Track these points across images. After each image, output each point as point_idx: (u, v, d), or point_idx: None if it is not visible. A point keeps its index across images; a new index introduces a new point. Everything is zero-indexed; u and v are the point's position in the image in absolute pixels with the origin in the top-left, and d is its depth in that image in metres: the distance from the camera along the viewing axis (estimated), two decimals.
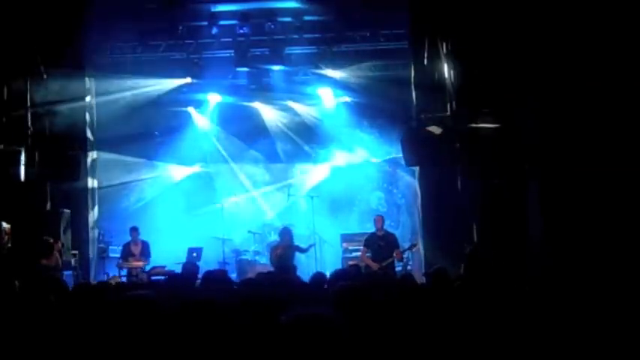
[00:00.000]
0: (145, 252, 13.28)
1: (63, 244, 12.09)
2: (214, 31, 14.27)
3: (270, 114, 16.85)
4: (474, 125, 10.91)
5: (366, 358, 3.21)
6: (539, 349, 3.85)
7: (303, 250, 13.12)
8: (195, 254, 13.74)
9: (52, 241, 11.39)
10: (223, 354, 3.54)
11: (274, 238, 14.99)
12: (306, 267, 13.13)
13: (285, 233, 13.07)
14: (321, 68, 15.03)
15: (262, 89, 15.94)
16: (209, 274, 6.98)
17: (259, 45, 14.73)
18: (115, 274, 13.23)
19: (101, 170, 15.15)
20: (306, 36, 14.54)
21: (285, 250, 12.66)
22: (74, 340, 3.62)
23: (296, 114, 16.71)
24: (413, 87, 13.12)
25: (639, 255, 7.57)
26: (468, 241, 10.63)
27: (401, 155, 12.45)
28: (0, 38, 11.11)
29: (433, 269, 7.01)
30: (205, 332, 3.64)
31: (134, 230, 13.42)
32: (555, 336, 3.94)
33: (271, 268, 12.23)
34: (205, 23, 14.24)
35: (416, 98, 13.04)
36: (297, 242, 15.50)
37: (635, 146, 8.18)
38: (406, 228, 16.03)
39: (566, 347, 3.86)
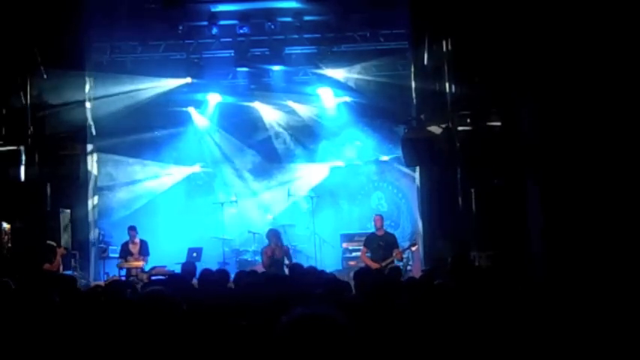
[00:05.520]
0: (144, 251, 13.23)
1: (67, 249, 12.07)
2: (214, 31, 14.28)
3: (270, 114, 16.85)
4: (473, 125, 10.92)
5: (370, 358, 3.21)
6: (539, 349, 3.85)
7: (289, 260, 12.16)
8: (195, 254, 13.74)
9: (55, 245, 11.38)
10: (224, 355, 3.54)
11: None
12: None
13: (272, 234, 12.71)
14: (321, 68, 15.04)
15: (262, 89, 15.97)
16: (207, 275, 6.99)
17: (259, 45, 14.75)
18: (115, 274, 13.22)
19: (101, 170, 15.16)
20: (306, 36, 14.56)
21: (274, 251, 12.30)
22: (79, 339, 3.63)
23: (296, 114, 16.71)
24: (413, 87, 13.12)
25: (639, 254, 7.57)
26: (461, 247, 10.63)
27: (401, 155, 12.46)
28: (0, 38, 11.11)
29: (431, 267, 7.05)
30: (206, 332, 3.64)
31: (132, 229, 13.39)
32: (554, 336, 3.94)
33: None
34: (205, 23, 14.25)
35: (416, 98, 13.05)
36: (296, 242, 15.53)
37: (634, 145, 8.19)
38: (406, 228, 16.04)
39: (566, 347, 3.87)
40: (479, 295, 4.92)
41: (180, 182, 16.98)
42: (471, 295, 4.81)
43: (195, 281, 7.68)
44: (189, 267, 8.54)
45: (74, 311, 4.27)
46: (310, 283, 6.62)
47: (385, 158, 16.24)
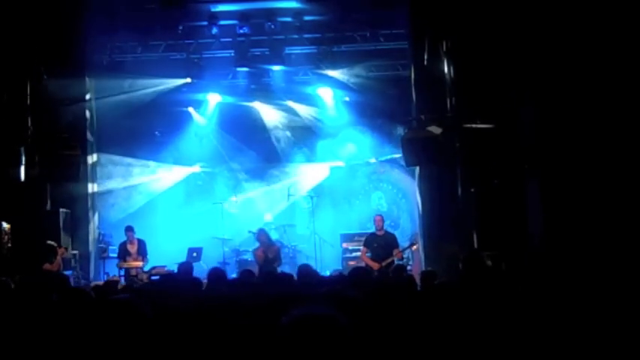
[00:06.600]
0: (142, 251, 13.20)
1: (67, 249, 12.06)
2: (214, 31, 14.27)
3: (269, 114, 16.85)
4: (473, 125, 10.91)
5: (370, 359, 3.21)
6: (538, 349, 3.85)
7: (279, 260, 12.52)
8: (195, 254, 13.75)
9: (56, 245, 11.37)
10: (224, 355, 3.54)
11: (275, 237, 15.00)
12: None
13: (263, 235, 12.76)
14: (321, 68, 15.04)
15: (262, 89, 15.98)
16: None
17: (259, 45, 14.75)
18: (115, 274, 13.22)
19: (101, 170, 15.17)
20: (306, 36, 14.56)
21: (266, 252, 12.39)
22: (74, 340, 3.62)
23: (296, 114, 16.70)
24: (413, 87, 13.13)
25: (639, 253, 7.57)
26: (462, 247, 10.63)
27: (401, 155, 12.46)
28: (0, 39, 11.11)
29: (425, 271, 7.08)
30: (206, 333, 3.64)
31: (129, 230, 13.38)
32: (554, 335, 3.94)
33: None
34: (205, 23, 14.25)
35: (416, 98, 13.05)
36: (296, 242, 15.54)
37: (633, 144, 8.19)
38: (406, 228, 16.04)
39: (566, 347, 3.87)
40: (487, 296, 4.92)
41: (180, 182, 17.00)
42: (479, 296, 4.81)
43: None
44: (186, 267, 8.55)
45: (65, 310, 4.28)
46: (311, 283, 6.61)
47: (385, 158, 16.24)
